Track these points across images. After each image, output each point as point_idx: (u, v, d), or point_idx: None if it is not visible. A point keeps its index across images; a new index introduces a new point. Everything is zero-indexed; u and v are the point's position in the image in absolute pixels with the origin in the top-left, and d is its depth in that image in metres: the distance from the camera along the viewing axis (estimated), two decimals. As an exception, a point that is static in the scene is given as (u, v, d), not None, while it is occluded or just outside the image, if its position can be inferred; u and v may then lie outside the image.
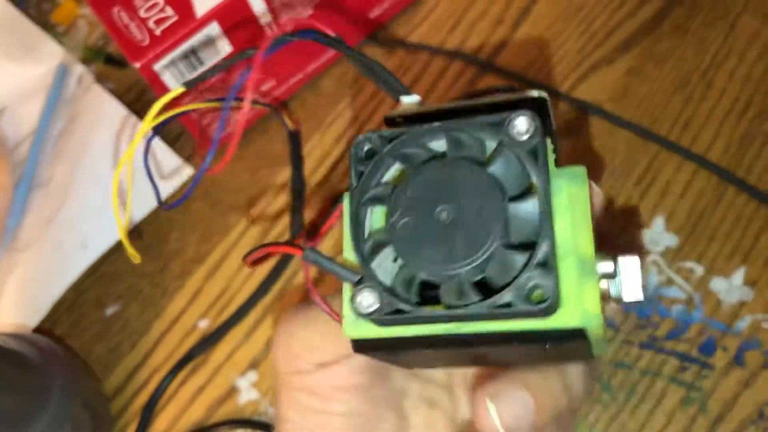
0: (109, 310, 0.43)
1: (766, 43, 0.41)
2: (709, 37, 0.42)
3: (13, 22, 0.54)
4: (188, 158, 0.47)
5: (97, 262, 0.44)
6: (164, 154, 0.47)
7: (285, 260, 0.42)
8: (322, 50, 0.45)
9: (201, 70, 0.40)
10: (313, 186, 0.44)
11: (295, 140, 0.29)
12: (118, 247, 0.45)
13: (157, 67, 0.38)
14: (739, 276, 0.36)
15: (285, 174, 0.45)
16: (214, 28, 0.39)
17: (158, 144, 0.47)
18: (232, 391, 0.40)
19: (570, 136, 0.41)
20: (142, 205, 0.45)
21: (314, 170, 0.44)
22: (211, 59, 0.40)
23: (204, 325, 0.42)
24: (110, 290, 0.44)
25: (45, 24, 0.55)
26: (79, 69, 0.51)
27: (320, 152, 0.45)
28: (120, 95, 0.49)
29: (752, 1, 0.42)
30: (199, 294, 0.43)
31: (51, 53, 0.52)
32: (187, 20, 0.38)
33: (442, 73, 0.45)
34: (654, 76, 0.42)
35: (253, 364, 0.40)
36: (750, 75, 0.40)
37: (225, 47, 0.40)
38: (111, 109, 0.48)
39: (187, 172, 0.46)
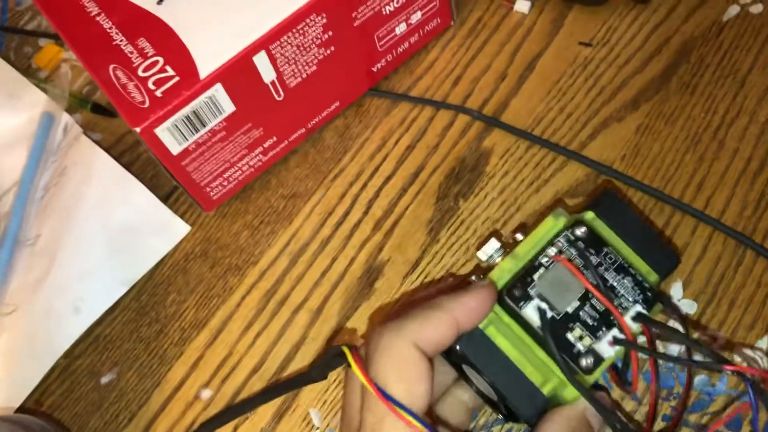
0: (104, 379, 0.41)
1: (777, 101, 0.41)
2: (718, 95, 0.42)
3: (-8, 67, 0.51)
4: (183, 215, 0.45)
5: (90, 326, 0.42)
6: (158, 210, 0.45)
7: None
8: (325, 104, 0.44)
9: (203, 131, 0.39)
10: (317, 244, 0.42)
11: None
12: (112, 309, 0.43)
13: (159, 130, 0.37)
14: (763, 344, 0.35)
15: (288, 232, 0.43)
16: (218, 89, 0.37)
17: (152, 199, 0.45)
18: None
19: (580, 196, 0.41)
20: (138, 264, 0.43)
21: (317, 229, 0.43)
22: (213, 120, 0.38)
23: (206, 395, 0.40)
24: (105, 357, 0.42)
25: (27, 69, 0.52)
26: (65, 118, 0.49)
27: (323, 209, 0.43)
28: (109, 147, 0.47)
29: (761, 57, 0.42)
30: (200, 362, 0.41)
31: (34, 101, 0.50)
32: (190, 81, 0.37)
33: (447, 127, 0.44)
34: (665, 134, 0.41)
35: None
36: (763, 134, 0.40)
37: (229, 107, 0.38)
38: (102, 164, 0.46)
39: (183, 229, 0.44)
